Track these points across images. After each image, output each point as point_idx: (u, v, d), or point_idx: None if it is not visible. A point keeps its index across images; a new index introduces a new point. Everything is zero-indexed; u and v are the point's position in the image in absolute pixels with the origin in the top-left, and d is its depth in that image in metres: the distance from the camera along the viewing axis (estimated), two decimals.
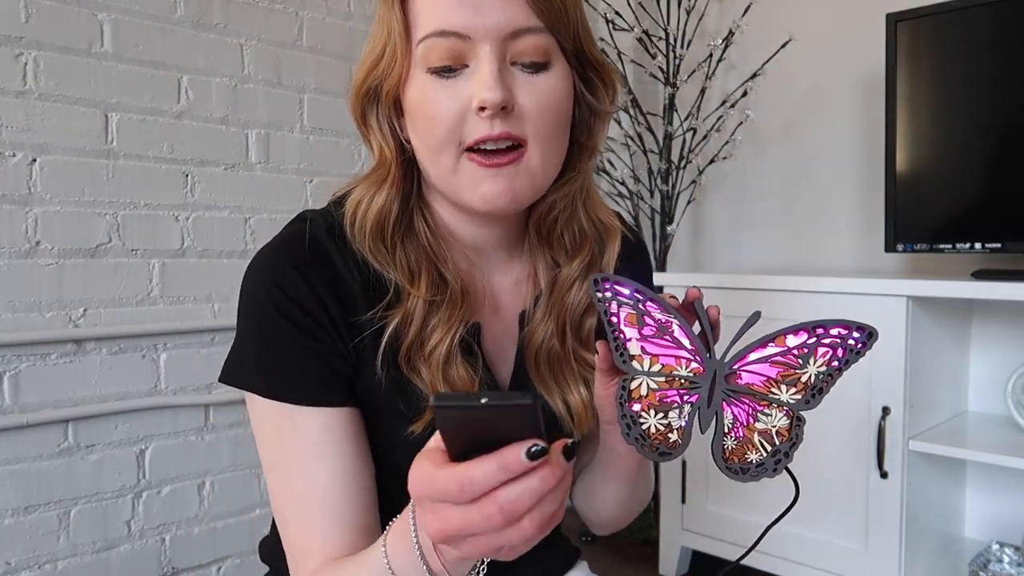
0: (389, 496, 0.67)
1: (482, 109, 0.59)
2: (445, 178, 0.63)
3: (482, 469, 0.42)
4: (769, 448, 0.53)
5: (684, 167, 2.08)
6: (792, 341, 0.53)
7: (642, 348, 0.55)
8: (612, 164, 2.13)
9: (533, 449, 0.42)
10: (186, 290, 1.60)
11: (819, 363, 0.52)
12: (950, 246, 1.61)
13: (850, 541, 1.58)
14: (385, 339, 0.64)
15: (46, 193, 1.43)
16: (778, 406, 0.53)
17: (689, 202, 2.16)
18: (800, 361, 0.53)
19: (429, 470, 0.44)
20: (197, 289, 1.62)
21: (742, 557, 0.63)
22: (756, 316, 0.55)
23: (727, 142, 2.04)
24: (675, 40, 2.04)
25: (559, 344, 0.70)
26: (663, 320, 0.55)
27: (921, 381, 1.54)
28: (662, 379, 0.55)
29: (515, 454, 0.42)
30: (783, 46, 1.92)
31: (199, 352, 1.61)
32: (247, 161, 1.70)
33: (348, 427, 0.65)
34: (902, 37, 1.66)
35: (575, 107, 0.66)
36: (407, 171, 0.67)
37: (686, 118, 2.07)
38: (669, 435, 0.54)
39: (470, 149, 0.61)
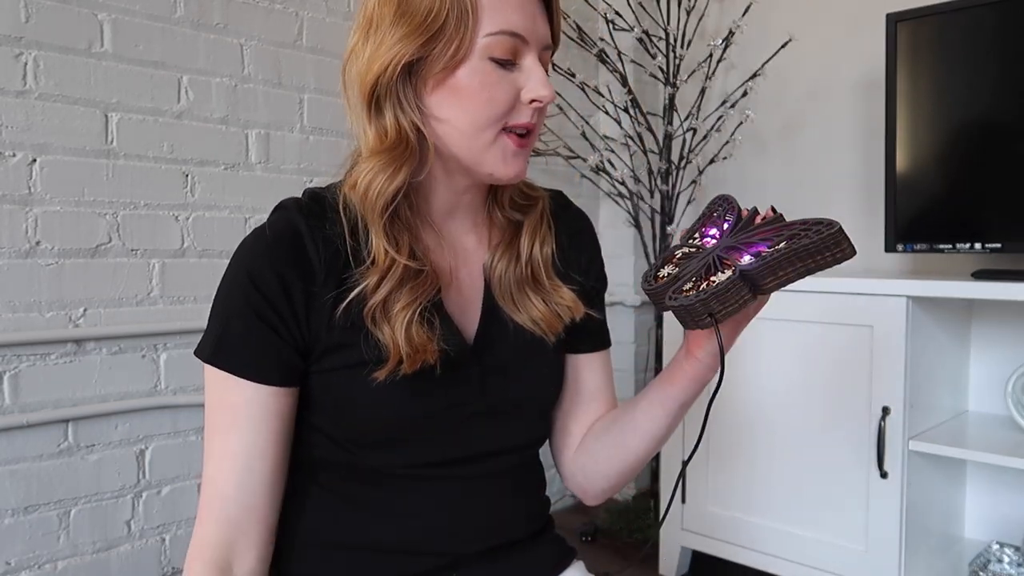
0: (359, 443, 0.73)
1: (534, 102, 0.71)
2: (478, 150, 0.72)
3: None
4: (695, 289, 0.65)
5: (684, 167, 2.09)
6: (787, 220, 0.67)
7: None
8: (612, 164, 2.13)
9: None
10: (186, 290, 1.60)
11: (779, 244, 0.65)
12: (950, 246, 1.62)
13: (850, 541, 1.58)
14: (354, 294, 0.70)
15: (46, 193, 1.43)
16: (731, 269, 0.65)
17: (689, 202, 2.16)
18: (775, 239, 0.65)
19: None
20: (197, 289, 1.62)
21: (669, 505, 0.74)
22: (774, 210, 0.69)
23: (727, 142, 2.04)
24: (675, 40, 2.05)
25: (521, 271, 0.81)
26: (710, 233, 0.71)
27: (921, 381, 1.55)
28: (684, 249, 0.71)
29: None
30: (783, 46, 1.93)
31: None
32: (247, 161, 1.70)
33: (272, 406, 0.71)
34: (902, 37, 1.66)
35: None
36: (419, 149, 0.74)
37: (686, 118, 2.07)
38: (684, 286, 0.66)
39: (507, 129, 0.72)
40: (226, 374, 0.70)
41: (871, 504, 1.54)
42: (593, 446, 0.84)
